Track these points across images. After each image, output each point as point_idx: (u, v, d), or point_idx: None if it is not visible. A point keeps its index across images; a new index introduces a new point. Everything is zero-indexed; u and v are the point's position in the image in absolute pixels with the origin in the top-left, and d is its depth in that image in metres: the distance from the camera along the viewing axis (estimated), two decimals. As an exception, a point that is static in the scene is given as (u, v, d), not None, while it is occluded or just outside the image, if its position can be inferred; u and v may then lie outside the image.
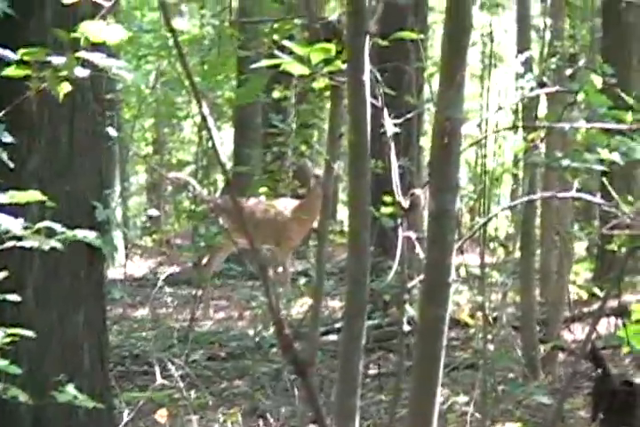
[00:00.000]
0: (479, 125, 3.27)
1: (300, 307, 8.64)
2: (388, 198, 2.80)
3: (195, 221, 9.52)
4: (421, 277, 2.30)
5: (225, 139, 16.34)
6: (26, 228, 2.48)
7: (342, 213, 17.68)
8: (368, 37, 2.28)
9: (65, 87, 2.30)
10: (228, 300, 9.87)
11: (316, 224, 12.88)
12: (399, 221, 2.44)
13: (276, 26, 6.12)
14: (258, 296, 8.23)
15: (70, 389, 3.33)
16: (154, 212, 11.59)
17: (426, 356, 2.24)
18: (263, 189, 9.38)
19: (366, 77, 2.30)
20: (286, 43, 2.54)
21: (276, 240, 8.75)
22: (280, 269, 8.92)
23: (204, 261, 8.89)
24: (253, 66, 2.75)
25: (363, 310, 2.33)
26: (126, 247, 11.29)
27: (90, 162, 4.27)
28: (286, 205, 8.93)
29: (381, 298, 6.83)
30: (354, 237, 2.32)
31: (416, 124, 7.84)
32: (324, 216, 2.44)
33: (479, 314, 4.93)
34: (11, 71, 2.31)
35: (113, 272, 10.45)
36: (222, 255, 9.04)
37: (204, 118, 2.08)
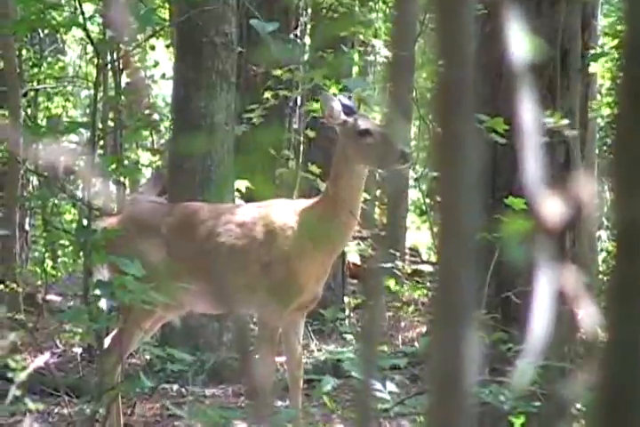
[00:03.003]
0: None
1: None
2: (516, 202, 1.85)
3: (88, 253, 3.78)
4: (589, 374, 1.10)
5: (159, 71, 10.05)
6: None
7: (416, 234, 11.76)
8: None
9: None
10: (165, 430, 5.25)
11: (355, 257, 7.66)
12: (541, 249, 1.19)
13: None
14: (230, 422, 3.42)
15: None
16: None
17: None
18: (242, 183, 5.65)
19: None
20: None
21: (271, 287, 4.31)
22: (280, 358, 4.67)
23: (109, 341, 4.30)
24: None
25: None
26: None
27: None
28: (287, 213, 4.39)
29: (506, 424, 3.37)
30: (443, 285, 1.09)
31: (579, 37, 4.15)
32: (377, 235, 1.15)
33: None
34: None
35: None
36: (149, 330, 4.53)
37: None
